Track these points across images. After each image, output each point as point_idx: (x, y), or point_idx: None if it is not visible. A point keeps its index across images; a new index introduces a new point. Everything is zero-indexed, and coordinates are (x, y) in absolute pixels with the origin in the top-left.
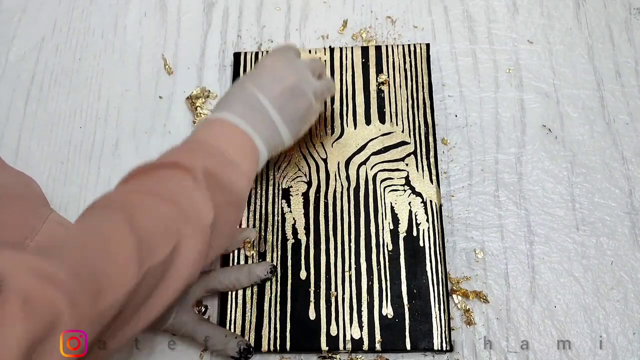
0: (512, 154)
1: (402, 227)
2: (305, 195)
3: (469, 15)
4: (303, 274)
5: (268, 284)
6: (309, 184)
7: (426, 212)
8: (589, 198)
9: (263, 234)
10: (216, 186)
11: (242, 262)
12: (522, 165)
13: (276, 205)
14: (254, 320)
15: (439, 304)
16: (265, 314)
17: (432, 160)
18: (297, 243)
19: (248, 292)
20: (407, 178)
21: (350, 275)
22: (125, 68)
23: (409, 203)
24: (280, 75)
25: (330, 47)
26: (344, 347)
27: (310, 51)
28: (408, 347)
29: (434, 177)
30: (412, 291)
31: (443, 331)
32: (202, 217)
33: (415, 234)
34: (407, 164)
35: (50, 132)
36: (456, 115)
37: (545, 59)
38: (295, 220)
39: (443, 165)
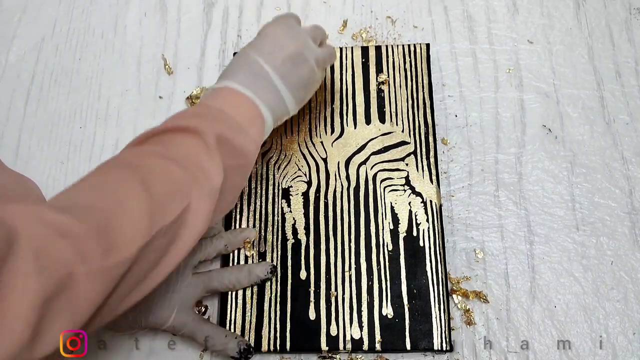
0: (512, 154)
1: (402, 227)
2: (305, 195)
3: (469, 15)
4: (303, 274)
5: (268, 284)
6: (309, 183)
7: (426, 212)
8: (589, 198)
9: (263, 234)
10: (225, 149)
11: (242, 262)
12: (522, 165)
13: (276, 205)
14: (254, 320)
15: (439, 304)
16: (265, 314)
17: (432, 160)
18: (297, 243)
19: (248, 292)
20: (407, 178)
21: (350, 275)
22: (125, 68)
23: (409, 203)
24: (282, 43)
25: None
26: (344, 347)
27: None
28: (408, 347)
29: (434, 177)
30: (412, 291)
31: (443, 331)
32: (212, 180)
33: (415, 234)
34: (407, 164)
35: (50, 132)
36: (456, 115)
37: (545, 59)
38: (295, 220)
39: (443, 165)
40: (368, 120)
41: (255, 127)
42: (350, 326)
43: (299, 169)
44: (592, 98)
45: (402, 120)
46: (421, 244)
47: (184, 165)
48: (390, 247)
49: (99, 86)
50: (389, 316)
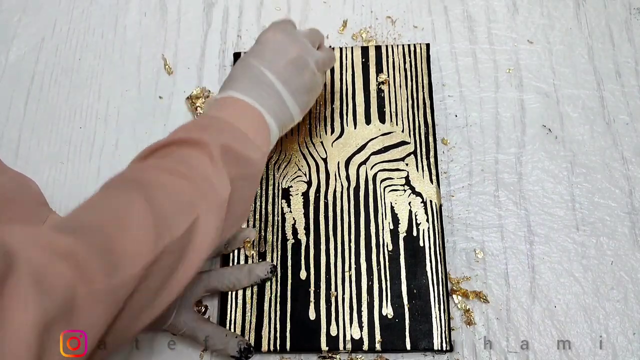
0: (512, 154)
1: (402, 227)
2: (305, 195)
3: (469, 15)
4: (303, 274)
5: (268, 284)
6: (309, 183)
7: (426, 212)
8: (589, 198)
9: (263, 233)
10: (232, 160)
11: (242, 262)
12: (522, 165)
13: (276, 205)
14: (254, 320)
15: (439, 304)
16: (265, 314)
17: (432, 160)
18: (297, 243)
19: (248, 292)
20: (407, 178)
21: (350, 275)
22: (125, 68)
23: (409, 203)
24: (283, 48)
25: (330, 47)
26: (344, 347)
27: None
28: (408, 347)
29: (434, 177)
30: (412, 291)
31: (443, 331)
32: (219, 192)
33: (415, 234)
34: (407, 164)
35: (50, 132)
36: (456, 115)
37: (545, 59)
38: (295, 220)
39: (443, 165)
40: (368, 120)
41: (260, 135)
42: (350, 326)
43: (299, 169)
44: (592, 98)
45: (402, 120)
46: (421, 244)
47: (190, 178)
48: (390, 247)
49: (99, 86)
50: (389, 316)
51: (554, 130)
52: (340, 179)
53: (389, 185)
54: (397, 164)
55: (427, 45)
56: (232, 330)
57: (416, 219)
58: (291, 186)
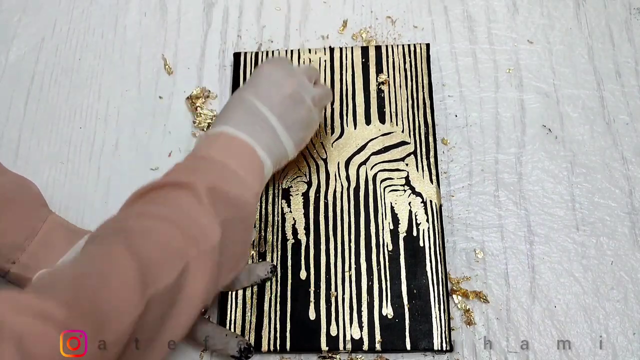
0: (512, 154)
1: (402, 227)
2: (305, 195)
3: (469, 15)
4: (303, 274)
5: (268, 284)
6: (309, 184)
7: (426, 212)
8: (589, 198)
9: (263, 234)
10: (221, 202)
11: None
12: (522, 165)
13: (276, 205)
14: (254, 320)
15: (439, 304)
16: (265, 314)
17: (432, 160)
18: (297, 243)
19: (248, 292)
20: (407, 178)
21: (350, 276)
22: (125, 68)
23: (409, 203)
24: (279, 83)
25: (330, 47)
26: (344, 347)
27: (310, 51)
28: (408, 347)
29: (434, 177)
30: (412, 291)
31: (443, 331)
32: (209, 237)
33: (415, 234)
34: (407, 164)
35: (50, 132)
36: (456, 115)
37: (545, 59)
38: (295, 220)
39: (443, 165)
40: (368, 121)
41: (252, 173)
42: (350, 326)
43: (299, 169)
44: (592, 98)
45: (402, 120)
46: (421, 244)
47: (179, 224)
48: (390, 247)
49: (99, 86)
50: (389, 316)
51: (554, 130)
52: (340, 179)
53: (389, 186)
54: (397, 164)
55: (427, 45)
56: (232, 330)
57: (416, 219)
58: (291, 186)
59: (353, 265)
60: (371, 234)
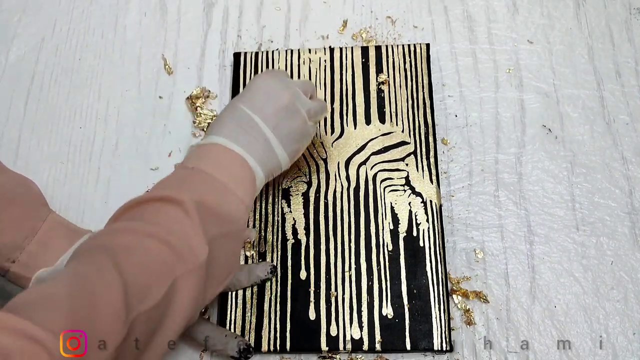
0: (512, 154)
1: (402, 227)
2: (305, 195)
3: (469, 15)
4: (303, 274)
5: (268, 284)
6: (309, 184)
7: (426, 212)
8: (589, 198)
9: (263, 234)
10: (210, 218)
11: (242, 262)
12: (522, 165)
13: (276, 206)
14: (254, 320)
15: (439, 304)
16: (265, 314)
17: (432, 160)
18: (297, 243)
19: (248, 292)
20: (407, 178)
21: (350, 276)
22: (125, 68)
23: (409, 203)
24: (274, 94)
25: (330, 47)
26: (344, 348)
27: (310, 50)
28: (408, 347)
29: (434, 177)
30: (412, 291)
31: (443, 331)
32: (196, 254)
33: (415, 234)
34: (407, 164)
35: (50, 132)
36: (456, 115)
37: (545, 59)
38: (295, 221)
39: (443, 165)
40: (368, 121)
41: (243, 186)
42: (350, 326)
43: (299, 169)
44: (592, 98)
45: (402, 120)
46: (421, 244)
47: (166, 242)
48: (390, 247)
49: (99, 86)
50: (389, 316)
51: (554, 130)
52: (340, 179)
53: (389, 186)
54: (397, 164)
55: (427, 45)
56: (232, 330)
57: (416, 219)
58: (291, 186)
59: (353, 265)
60: (371, 234)
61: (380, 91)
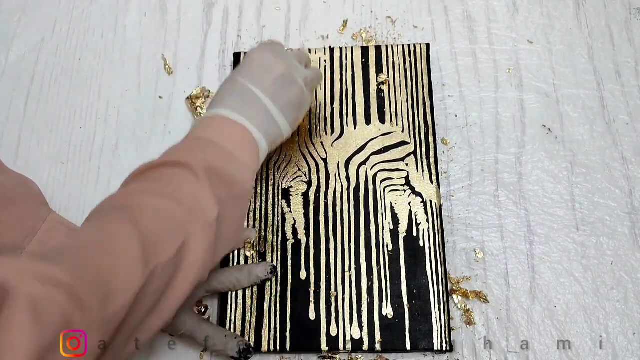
0: (512, 154)
1: (402, 227)
2: (305, 195)
3: (469, 15)
4: (303, 274)
5: (268, 284)
6: (309, 184)
7: (426, 212)
8: (589, 198)
9: (263, 234)
10: (218, 181)
11: (242, 262)
12: (522, 165)
13: (276, 206)
14: (254, 320)
15: (439, 304)
16: (265, 314)
17: (432, 160)
18: (297, 243)
19: (248, 292)
20: (407, 178)
21: (350, 276)
22: (125, 68)
23: (409, 203)
24: (270, 65)
25: (330, 47)
26: (344, 347)
27: (310, 50)
28: (408, 347)
29: (434, 177)
30: (412, 291)
31: (443, 331)
32: (207, 214)
33: (415, 234)
34: (407, 164)
35: (50, 132)
36: (456, 115)
37: (545, 59)
38: (295, 221)
39: (443, 165)
40: (368, 121)
41: (248, 153)
42: (350, 326)
43: (299, 169)
44: (592, 98)
45: (402, 120)
46: (421, 244)
47: (178, 201)
48: (390, 247)
49: (99, 86)
50: (389, 316)
51: (554, 130)
52: (340, 179)
53: (389, 186)
54: (397, 164)
55: (427, 45)
56: (232, 330)
57: (416, 219)
58: (291, 186)
59: (353, 265)
60: (371, 234)
61: (380, 91)
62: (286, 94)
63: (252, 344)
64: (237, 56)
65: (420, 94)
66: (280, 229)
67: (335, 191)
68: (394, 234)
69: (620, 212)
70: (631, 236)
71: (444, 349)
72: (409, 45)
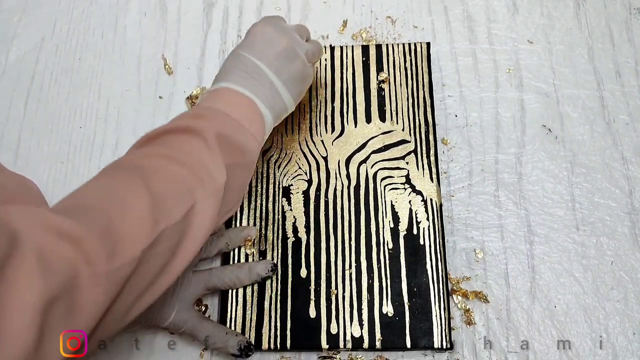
0: (512, 154)
1: (403, 226)
2: (306, 193)
3: (469, 15)
4: (303, 272)
5: (268, 282)
6: (310, 182)
7: (426, 211)
8: (589, 198)
9: (263, 232)
10: (227, 148)
11: (242, 260)
12: (522, 165)
13: (276, 204)
14: (254, 318)
15: (439, 302)
16: (266, 312)
17: (432, 158)
18: (298, 241)
19: (248, 290)
20: (407, 176)
21: (350, 274)
22: (125, 68)
23: (409, 201)
24: (272, 40)
25: (330, 45)
26: (344, 346)
27: None
28: (408, 345)
29: (434, 176)
30: (412, 289)
31: (443, 329)
32: (215, 179)
33: (415, 232)
34: (407, 162)
35: (50, 132)
36: (456, 115)
37: (545, 59)
38: (295, 219)
39: (443, 165)
40: (368, 119)
41: (255, 124)
42: (351, 324)
43: (300, 168)
44: (592, 98)
45: (403, 118)
46: (421, 242)
47: (187, 165)
48: (390, 246)
49: (99, 86)
50: (389, 314)
51: (554, 130)
52: (340, 177)
53: (390, 184)
54: (397, 162)
55: (428, 44)
56: (233, 328)
57: (416, 217)
58: (292, 184)
59: (353, 264)
60: (371, 232)
61: (380, 89)
62: (289, 68)
63: (253, 342)
64: None
65: (421, 92)
66: (280, 227)
67: (335, 189)
68: (394, 232)
69: (620, 212)
70: (631, 236)
71: (444, 346)
72: (409, 44)
